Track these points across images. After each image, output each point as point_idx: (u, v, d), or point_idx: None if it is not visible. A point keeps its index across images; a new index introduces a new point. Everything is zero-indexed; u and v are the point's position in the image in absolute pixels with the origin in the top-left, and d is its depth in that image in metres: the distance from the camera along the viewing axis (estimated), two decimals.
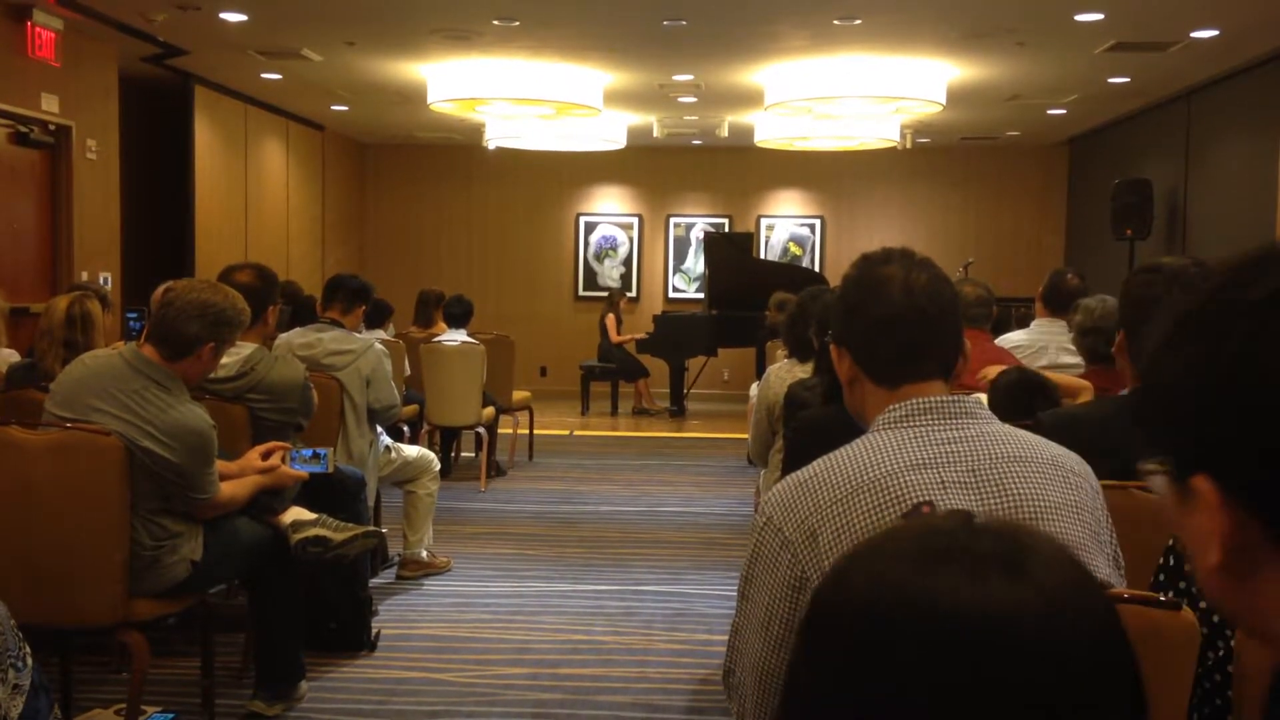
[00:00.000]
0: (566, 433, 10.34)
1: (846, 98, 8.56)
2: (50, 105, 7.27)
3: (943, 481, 1.52)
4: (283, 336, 5.03)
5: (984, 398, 3.27)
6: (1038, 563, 0.69)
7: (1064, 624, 0.67)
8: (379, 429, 5.20)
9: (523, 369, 10.01)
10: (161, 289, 3.75)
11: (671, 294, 13.68)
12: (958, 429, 1.58)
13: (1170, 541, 1.79)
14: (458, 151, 13.32)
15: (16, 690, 1.54)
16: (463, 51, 8.18)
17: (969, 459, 1.55)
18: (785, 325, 4.54)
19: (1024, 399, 3.25)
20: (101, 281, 7.48)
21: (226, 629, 4.15)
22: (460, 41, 7.84)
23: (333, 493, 4.03)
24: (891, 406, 1.62)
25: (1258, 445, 0.70)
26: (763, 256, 13.19)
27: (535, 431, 9.02)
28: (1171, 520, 0.78)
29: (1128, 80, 8.94)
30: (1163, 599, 1.64)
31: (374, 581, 4.98)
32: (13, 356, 4.94)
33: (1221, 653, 1.66)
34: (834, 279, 10.00)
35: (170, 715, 3.59)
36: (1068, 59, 8.16)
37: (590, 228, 13.71)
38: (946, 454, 1.55)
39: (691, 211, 13.67)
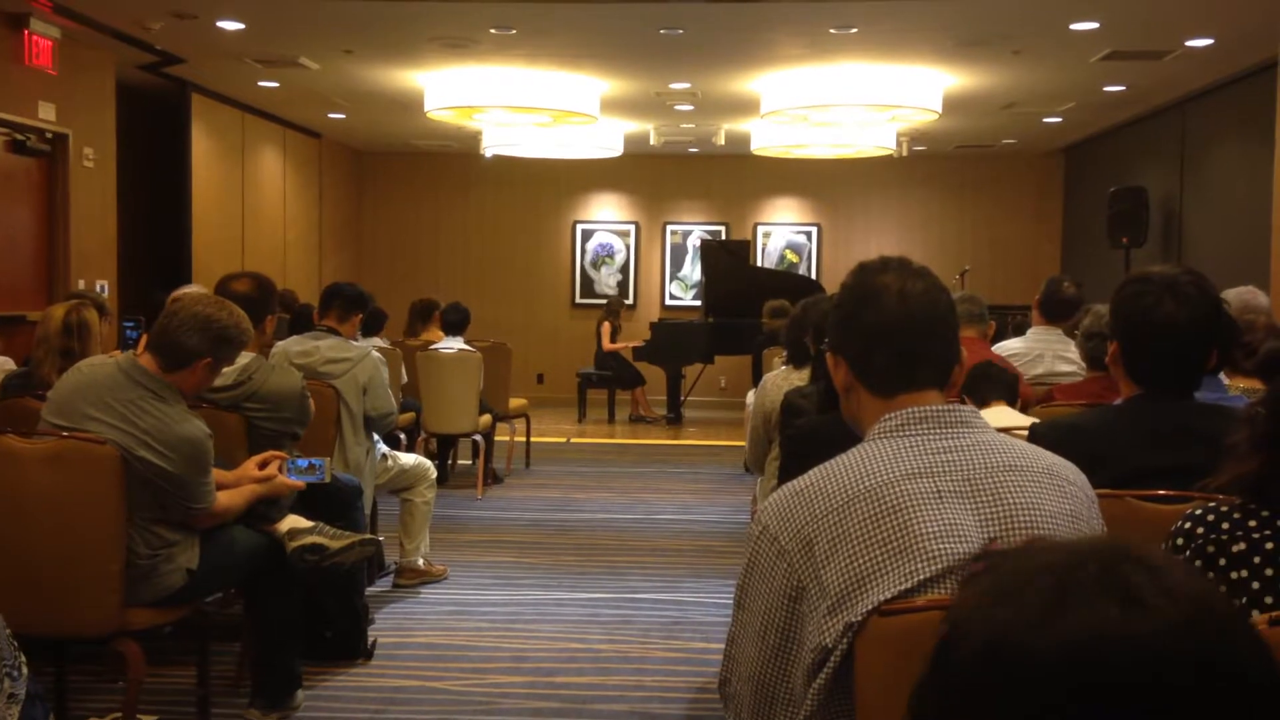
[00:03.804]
0: (563, 440, 10.33)
1: (843, 106, 8.58)
2: (47, 113, 7.27)
3: (938, 491, 1.52)
4: (279, 344, 5.03)
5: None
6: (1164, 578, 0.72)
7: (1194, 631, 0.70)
8: (375, 437, 5.19)
9: (519, 376, 10.01)
10: (172, 296, 3.76)
11: (668, 301, 13.69)
12: (953, 438, 1.58)
13: (1162, 547, 1.79)
14: (455, 159, 13.33)
15: (12, 699, 1.54)
16: (460, 60, 8.19)
17: (965, 468, 1.55)
18: (785, 331, 4.55)
19: (972, 385, 3.43)
20: (98, 290, 7.48)
21: (223, 638, 4.15)
22: (457, 50, 7.85)
23: (329, 501, 4.03)
24: (887, 415, 1.62)
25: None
26: (759, 264, 13.20)
27: (532, 439, 9.02)
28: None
29: (1123, 88, 8.96)
30: None
31: (370, 590, 4.98)
32: (9, 365, 4.94)
33: None
34: (830, 287, 10.00)
35: None
36: (1063, 67, 8.18)
37: (587, 235, 13.72)
38: (942, 463, 1.55)
39: (688, 219, 13.68)
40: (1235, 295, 3.93)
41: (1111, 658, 0.68)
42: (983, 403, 3.56)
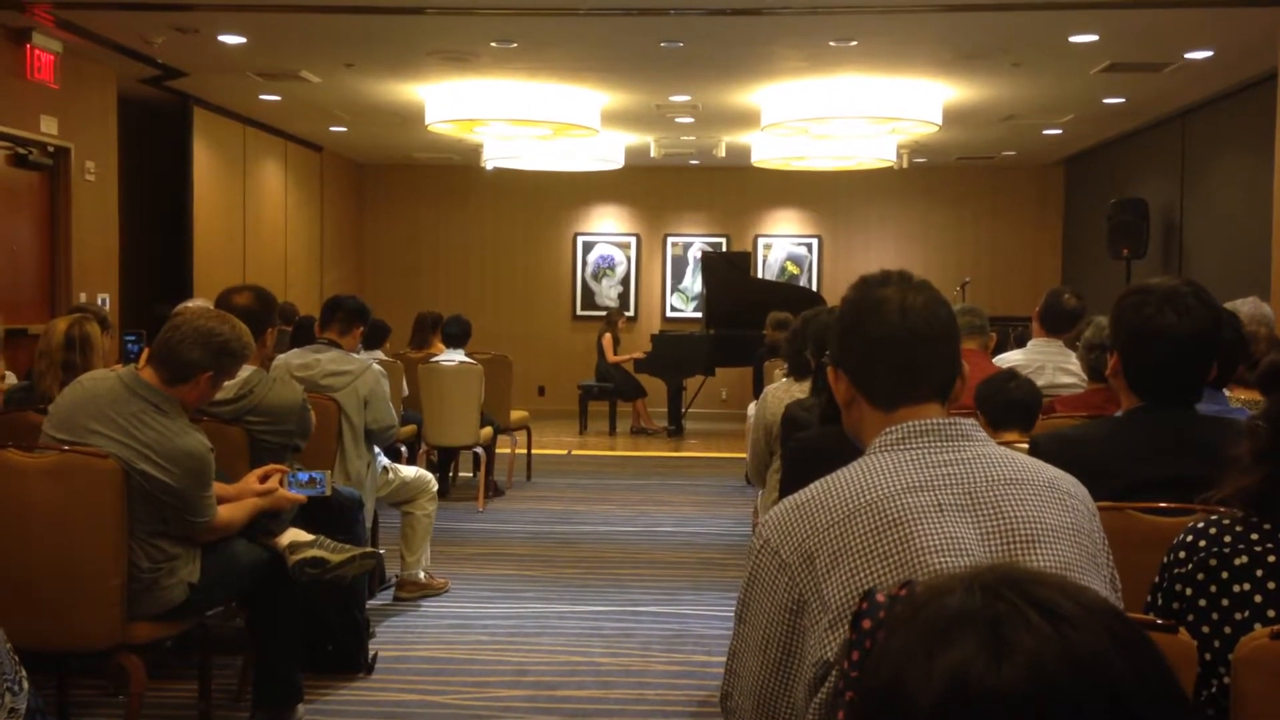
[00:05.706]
0: (564, 452, 10.33)
1: (843, 118, 8.59)
2: (49, 127, 7.29)
3: (939, 504, 1.52)
4: (281, 357, 5.03)
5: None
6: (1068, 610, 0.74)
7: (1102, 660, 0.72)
8: (376, 450, 5.19)
9: (520, 389, 10.00)
10: (175, 310, 3.78)
11: (669, 313, 13.69)
12: (954, 451, 1.58)
13: (1165, 559, 1.79)
14: (456, 172, 13.35)
15: (13, 714, 1.54)
16: (461, 73, 8.21)
17: (966, 481, 1.55)
18: (785, 343, 4.55)
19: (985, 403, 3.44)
20: (100, 303, 7.48)
21: (224, 651, 4.14)
22: (458, 63, 7.87)
23: (330, 514, 4.03)
24: (888, 429, 1.62)
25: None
26: (760, 276, 13.21)
27: (533, 451, 9.01)
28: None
29: (1123, 101, 8.98)
30: (1160, 621, 1.64)
31: (371, 603, 4.97)
32: (11, 379, 4.94)
33: (1215, 689, 1.66)
34: (831, 298, 10.01)
35: None
36: (1063, 80, 8.20)
37: (588, 247, 13.74)
38: (943, 476, 1.55)
39: (689, 231, 13.70)
40: (1242, 305, 3.93)
41: (1063, 675, 0.70)
42: (997, 425, 3.47)
